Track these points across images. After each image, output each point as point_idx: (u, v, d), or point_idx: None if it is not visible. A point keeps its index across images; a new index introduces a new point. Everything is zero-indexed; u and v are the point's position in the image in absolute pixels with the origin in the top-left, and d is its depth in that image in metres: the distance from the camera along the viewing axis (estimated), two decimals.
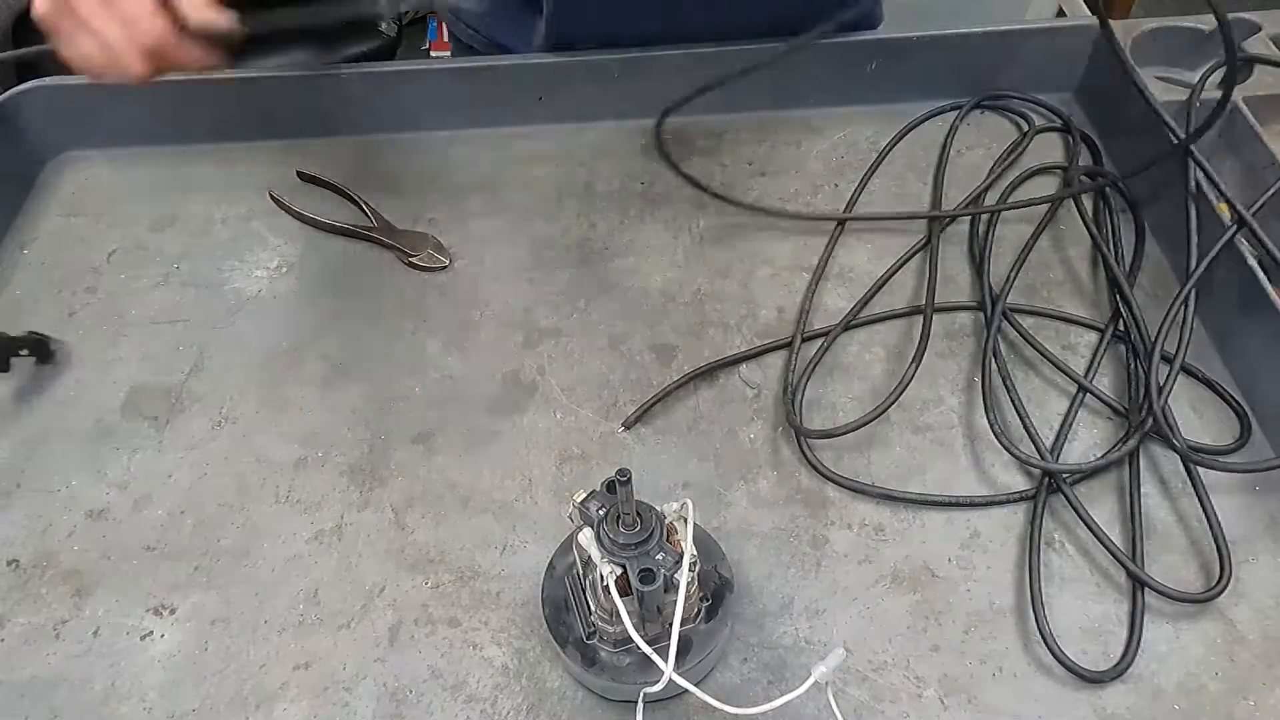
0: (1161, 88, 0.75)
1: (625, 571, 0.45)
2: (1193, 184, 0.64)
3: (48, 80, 0.79)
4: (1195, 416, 0.62)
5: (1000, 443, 0.59)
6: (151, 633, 0.55)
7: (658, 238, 0.75)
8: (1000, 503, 0.59)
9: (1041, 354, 0.66)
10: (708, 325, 0.69)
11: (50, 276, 0.73)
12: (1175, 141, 0.66)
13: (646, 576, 0.45)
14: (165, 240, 0.75)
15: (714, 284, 0.71)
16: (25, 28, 1.07)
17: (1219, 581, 0.54)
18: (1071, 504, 0.58)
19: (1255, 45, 0.77)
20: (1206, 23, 0.80)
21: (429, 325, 0.69)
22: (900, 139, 0.81)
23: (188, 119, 0.80)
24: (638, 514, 0.46)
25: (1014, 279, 0.70)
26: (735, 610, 0.53)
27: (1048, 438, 0.62)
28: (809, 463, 0.61)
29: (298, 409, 0.65)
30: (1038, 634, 0.53)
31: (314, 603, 0.56)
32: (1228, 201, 0.65)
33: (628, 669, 0.49)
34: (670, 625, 0.45)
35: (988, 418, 0.61)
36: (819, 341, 0.67)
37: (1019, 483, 0.60)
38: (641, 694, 0.48)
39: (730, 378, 0.66)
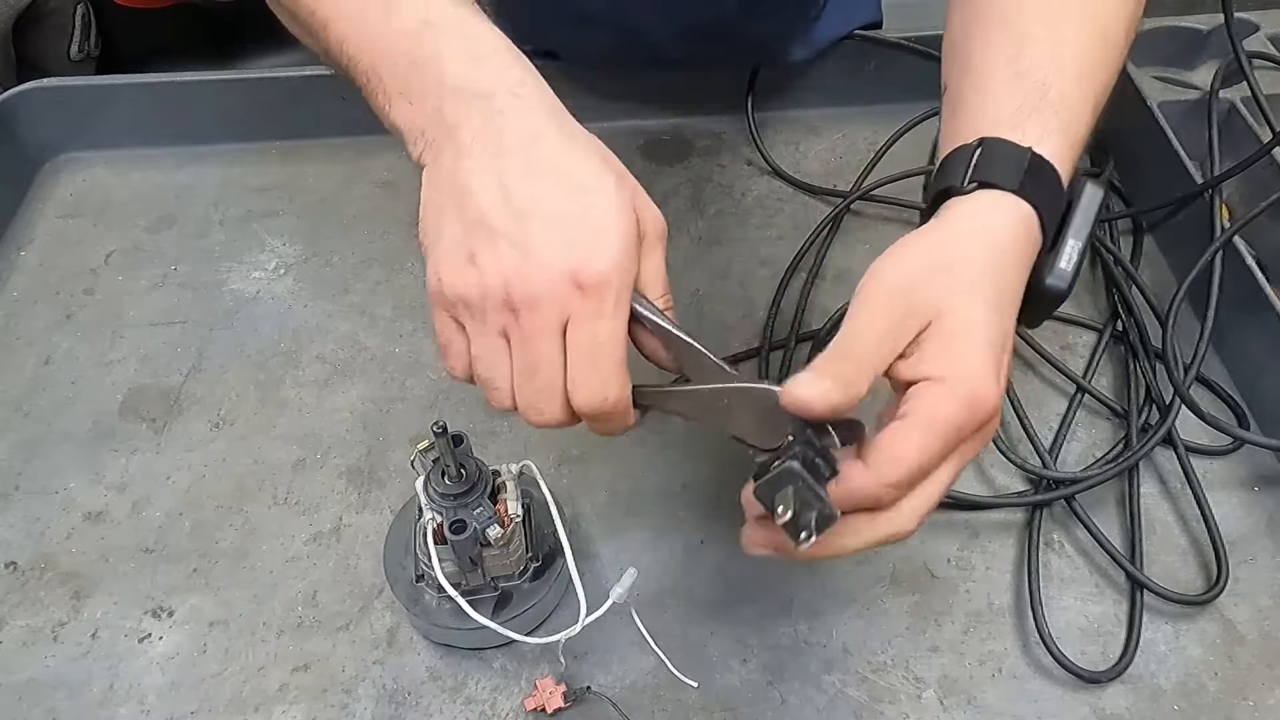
0: (1159, 87, 0.75)
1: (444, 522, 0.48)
2: (1218, 227, 0.64)
3: (45, 81, 0.78)
4: (1193, 415, 0.62)
5: (998, 448, 0.59)
6: (150, 635, 0.54)
7: None
8: (999, 504, 0.59)
9: (1040, 354, 0.66)
10: (707, 326, 0.68)
11: (48, 278, 0.73)
12: (1198, 183, 0.67)
13: (458, 527, 0.47)
14: (163, 242, 0.75)
15: (713, 284, 0.71)
16: (25, 28, 1.07)
17: (1215, 583, 0.54)
18: (1071, 507, 0.58)
19: (1253, 45, 0.77)
20: (1204, 22, 0.80)
21: (427, 326, 0.69)
22: (898, 139, 0.81)
23: (185, 120, 0.80)
24: (461, 468, 0.48)
25: None
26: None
27: (1046, 439, 0.62)
28: None
29: (296, 410, 0.64)
30: (1037, 635, 0.53)
31: (312, 604, 0.55)
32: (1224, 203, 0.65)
33: (446, 614, 0.51)
34: (494, 580, 0.51)
35: None
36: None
37: (1018, 483, 0.60)
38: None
39: None
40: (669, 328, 0.41)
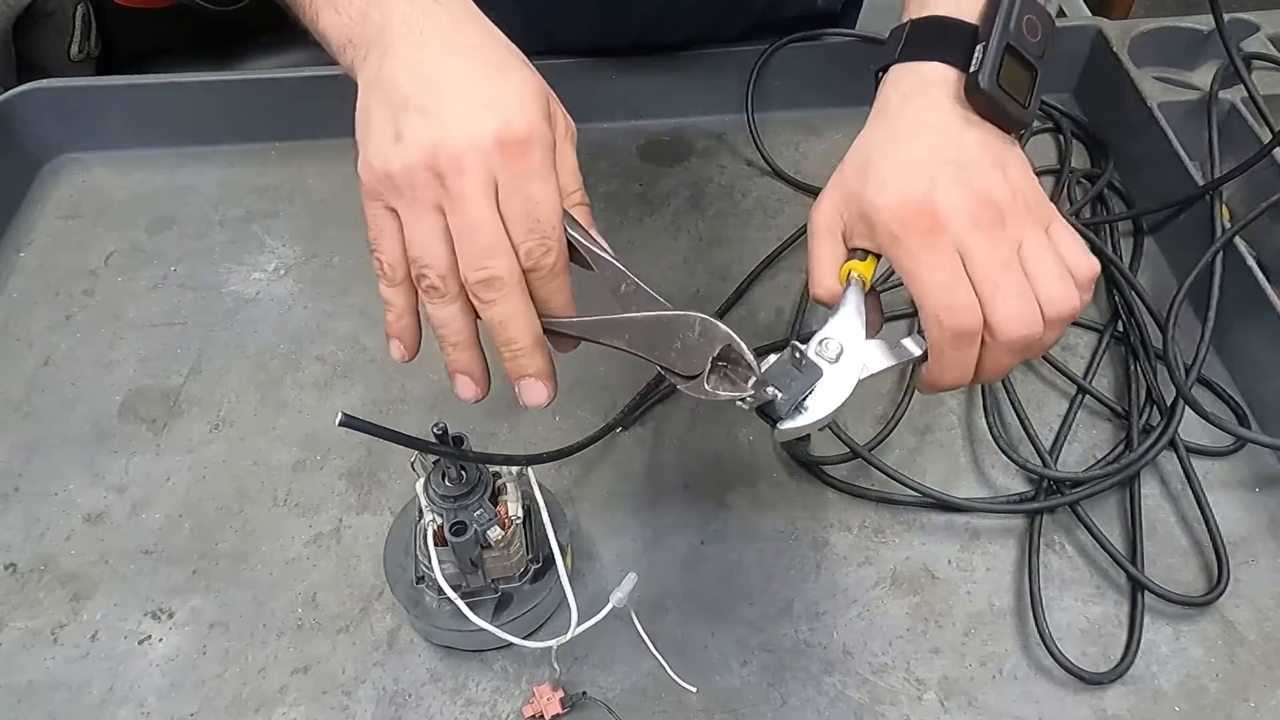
0: (1160, 88, 0.75)
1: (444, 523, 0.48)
2: (1219, 228, 0.64)
3: (45, 82, 0.78)
4: (1194, 416, 0.62)
5: (999, 447, 0.59)
6: (150, 637, 0.54)
7: (656, 239, 0.74)
8: (1002, 510, 0.59)
9: (1040, 355, 0.66)
10: None
11: (47, 279, 0.73)
12: (1199, 185, 0.67)
13: (458, 529, 0.47)
14: (163, 243, 0.75)
15: (713, 286, 0.71)
16: (25, 28, 1.07)
17: (1216, 584, 0.54)
18: (1073, 509, 0.58)
19: (1253, 45, 0.77)
20: (1204, 23, 0.80)
21: (427, 327, 0.69)
22: None
23: (185, 121, 0.80)
24: (461, 469, 0.48)
25: None
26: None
27: (1047, 439, 0.62)
28: (808, 465, 0.61)
29: (296, 411, 0.64)
30: (1038, 636, 0.53)
31: (312, 606, 0.55)
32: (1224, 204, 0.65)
33: (447, 616, 0.51)
34: (494, 581, 0.51)
35: (987, 421, 0.61)
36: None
37: (1018, 484, 0.60)
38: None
39: None
40: (595, 249, 0.41)
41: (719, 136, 0.82)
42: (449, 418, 0.63)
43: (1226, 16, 0.68)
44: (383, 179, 0.38)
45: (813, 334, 0.43)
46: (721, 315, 0.69)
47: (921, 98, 0.44)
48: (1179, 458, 0.60)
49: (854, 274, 0.44)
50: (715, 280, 0.71)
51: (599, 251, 0.42)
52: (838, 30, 0.81)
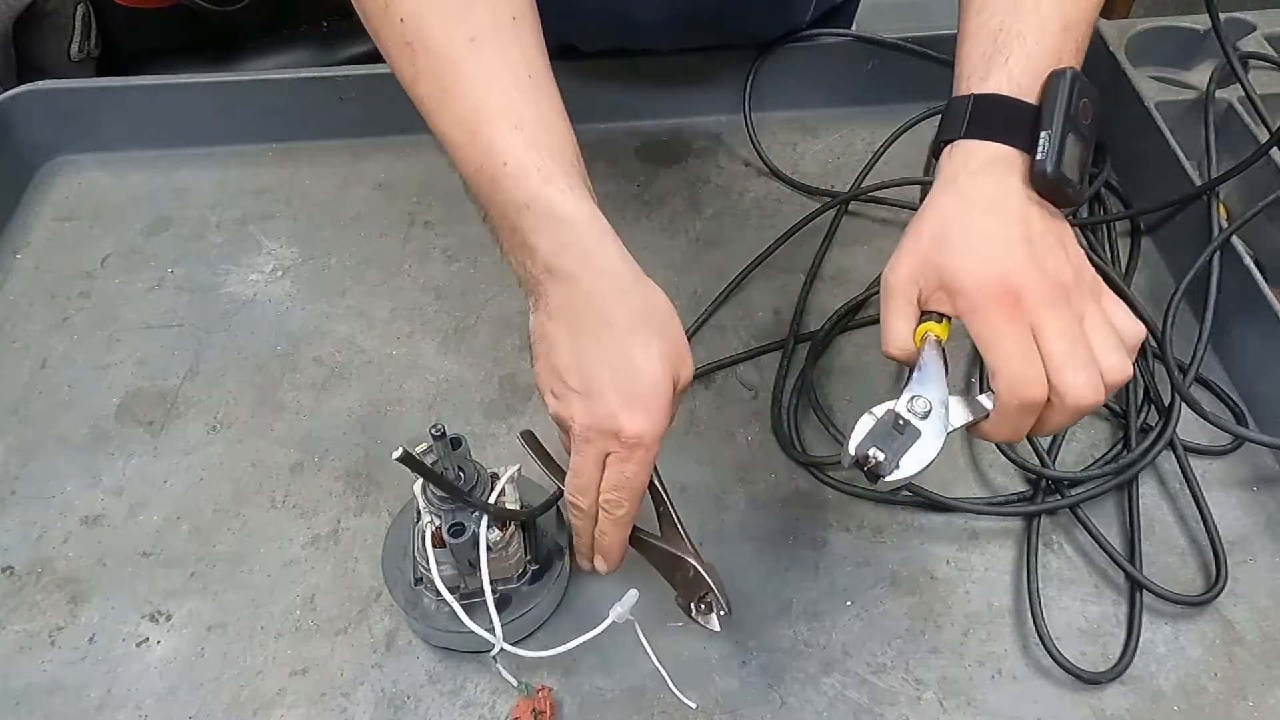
0: (1157, 88, 0.75)
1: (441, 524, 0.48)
2: (1216, 228, 0.64)
3: (41, 84, 0.78)
4: (1192, 415, 0.62)
5: (997, 447, 0.59)
6: (147, 639, 0.54)
7: (654, 239, 0.74)
8: (1003, 512, 0.59)
9: None
10: (704, 327, 0.68)
11: (44, 281, 0.72)
12: (1196, 185, 0.67)
13: (456, 530, 0.48)
14: (160, 244, 0.75)
15: (711, 285, 0.71)
16: (25, 28, 1.07)
17: (1215, 584, 0.54)
18: (1071, 509, 0.58)
19: (1249, 44, 0.77)
20: (1201, 22, 0.80)
21: (425, 328, 0.69)
22: (895, 140, 0.81)
23: (182, 122, 0.80)
24: (459, 470, 0.48)
25: None
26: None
27: (1045, 439, 0.61)
28: (806, 466, 0.61)
29: (293, 413, 0.64)
30: (1036, 636, 0.53)
31: (311, 608, 0.55)
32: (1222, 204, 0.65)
33: (445, 617, 0.51)
34: (492, 583, 0.50)
35: None
36: (829, 345, 0.67)
37: (1017, 484, 0.60)
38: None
39: (728, 379, 0.66)
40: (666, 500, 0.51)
41: (716, 137, 0.82)
42: (447, 418, 0.63)
43: (1223, 16, 0.68)
44: (552, 414, 0.48)
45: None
46: (714, 312, 0.69)
47: (990, 175, 0.47)
48: (1177, 457, 0.60)
49: (932, 335, 0.46)
50: (712, 280, 0.71)
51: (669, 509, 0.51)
52: (834, 31, 0.81)
